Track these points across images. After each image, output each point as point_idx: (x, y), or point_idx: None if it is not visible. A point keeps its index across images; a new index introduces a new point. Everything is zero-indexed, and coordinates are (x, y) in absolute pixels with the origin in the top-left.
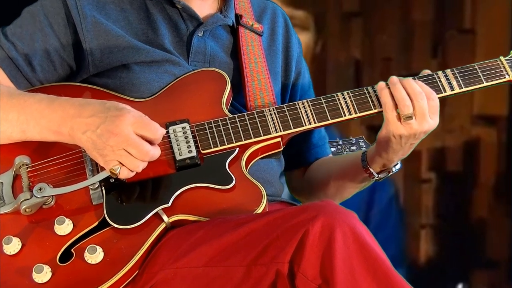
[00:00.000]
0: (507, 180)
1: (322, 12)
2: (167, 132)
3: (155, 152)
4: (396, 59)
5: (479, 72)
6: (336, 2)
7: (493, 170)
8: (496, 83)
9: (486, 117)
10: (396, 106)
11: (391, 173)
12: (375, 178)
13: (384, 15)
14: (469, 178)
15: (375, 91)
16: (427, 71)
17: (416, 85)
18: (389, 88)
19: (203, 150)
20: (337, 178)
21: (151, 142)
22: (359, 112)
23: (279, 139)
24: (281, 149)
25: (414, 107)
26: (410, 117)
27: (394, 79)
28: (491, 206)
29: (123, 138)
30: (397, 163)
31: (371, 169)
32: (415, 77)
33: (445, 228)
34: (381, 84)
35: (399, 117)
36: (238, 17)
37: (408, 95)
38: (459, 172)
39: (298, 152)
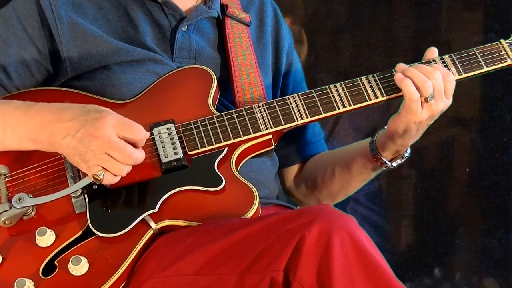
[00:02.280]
0: (479, 176)
1: (315, 28)
2: (152, 134)
3: (139, 154)
4: (381, 70)
5: (479, 57)
6: (327, 19)
7: (466, 167)
8: (497, 68)
9: (459, 119)
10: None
11: (404, 159)
12: (388, 166)
13: (369, 30)
14: (444, 174)
15: (369, 82)
16: (433, 50)
17: (426, 66)
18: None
19: (190, 151)
20: (343, 172)
21: (134, 145)
22: (354, 104)
23: (270, 136)
24: (273, 147)
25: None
26: (432, 98)
27: (402, 65)
28: (464, 200)
29: (105, 141)
30: (408, 148)
31: (383, 158)
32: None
33: (423, 219)
34: (399, 75)
35: (422, 104)
36: (223, 7)
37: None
38: (436, 169)
39: (292, 150)
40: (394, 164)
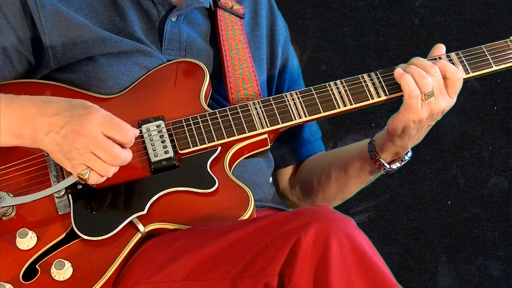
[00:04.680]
0: (459, 208)
1: (310, 72)
2: (140, 131)
3: (127, 155)
4: (371, 111)
5: (488, 55)
6: (321, 65)
7: (448, 200)
8: (507, 67)
9: (442, 156)
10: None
11: (403, 162)
12: (386, 169)
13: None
14: (428, 206)
15: (371, 79)
16: (440, 47)
17: (426, 60)
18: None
19: (181, 150)
20: (340, 174)
21: (122, 145)
22: (355, 103)
23: (266, 135)
24: (269, 146)
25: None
26: (431, 95)
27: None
28: (446, 230)
29: (91, 140)
30: (409, 151)
31: (381, 160)
32: None
33: (409, 247)
34: (398, 70)
35: (422, 101)
36: None
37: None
38: (420, 202)
39: (287, 150)
40: (393, 166)
